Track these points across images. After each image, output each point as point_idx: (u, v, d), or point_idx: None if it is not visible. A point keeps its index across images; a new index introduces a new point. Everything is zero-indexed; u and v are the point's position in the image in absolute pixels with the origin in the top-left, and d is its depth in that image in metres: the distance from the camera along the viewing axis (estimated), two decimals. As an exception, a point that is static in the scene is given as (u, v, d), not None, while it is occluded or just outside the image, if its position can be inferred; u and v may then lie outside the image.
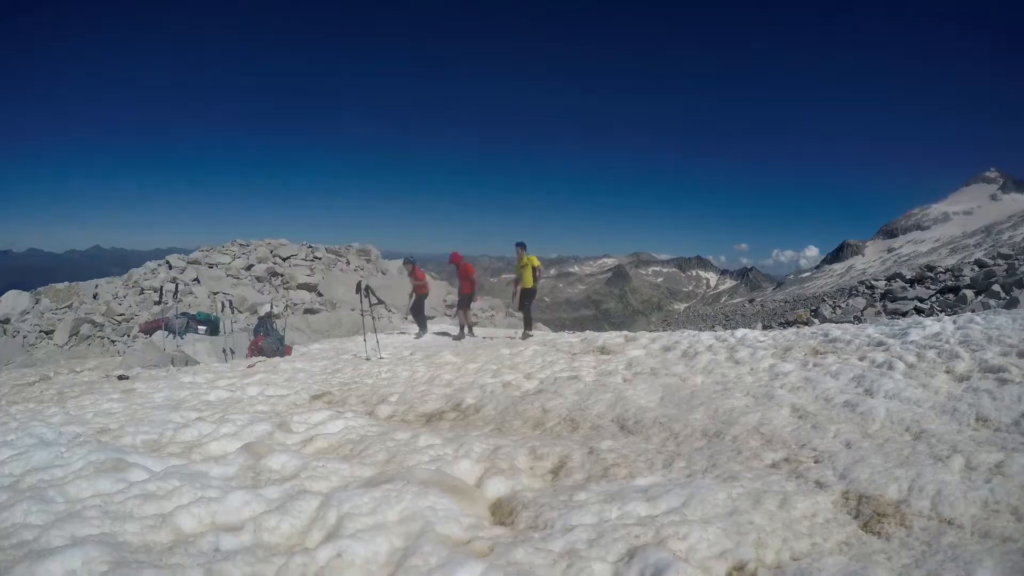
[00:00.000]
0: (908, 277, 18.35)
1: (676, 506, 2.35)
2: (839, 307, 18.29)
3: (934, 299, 15.04)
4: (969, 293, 14.06)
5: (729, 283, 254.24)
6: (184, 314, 14.38)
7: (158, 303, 12.31)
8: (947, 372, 4.04)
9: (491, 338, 11.40)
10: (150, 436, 4.13)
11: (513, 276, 12.20)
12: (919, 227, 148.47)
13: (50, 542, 2.15)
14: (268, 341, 13.56)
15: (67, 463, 3.04)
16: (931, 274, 17.83)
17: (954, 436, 2.94)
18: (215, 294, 20.80)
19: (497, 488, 2.86)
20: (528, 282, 11.29)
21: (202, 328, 13.95)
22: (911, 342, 5.01)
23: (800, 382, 4.34)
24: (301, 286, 23.13)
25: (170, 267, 24.35)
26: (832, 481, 2.51)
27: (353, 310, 17.26)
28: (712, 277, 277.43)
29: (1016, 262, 16.56)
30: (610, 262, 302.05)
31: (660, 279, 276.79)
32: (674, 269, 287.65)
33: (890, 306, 15.50)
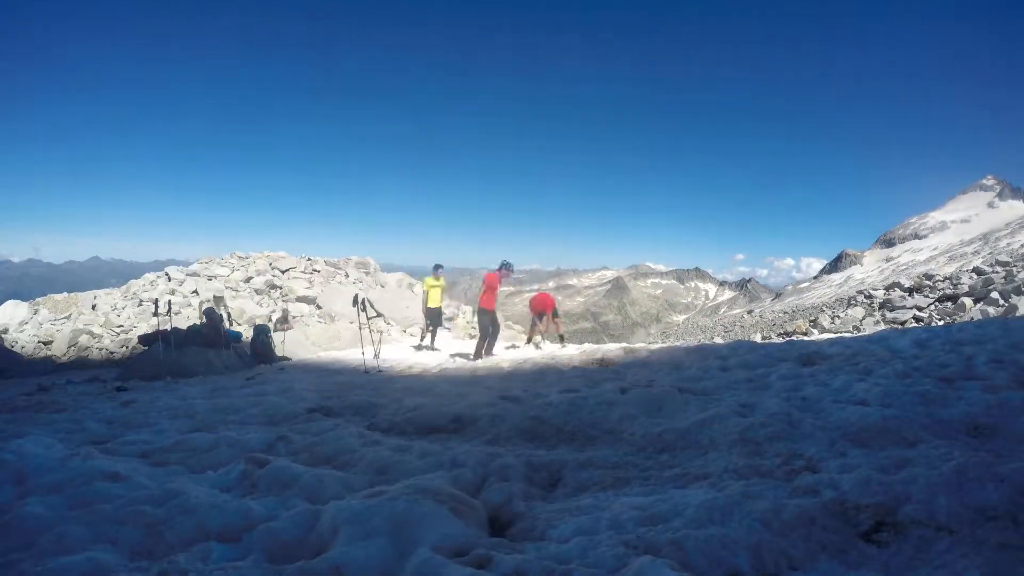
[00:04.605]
0: (906, 286, 18.37)
1: (670, 514, 2.35)
2: (838, 317, 18.31)
3: (932, 307, 15.07)
4: (968, 301, 14.09)
5: (728, 294, 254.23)
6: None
7: (155, 315, 12.33)
8: (942, 379, 4.05)
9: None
10: (148, 445, 4.13)
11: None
12: (917, 236, 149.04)
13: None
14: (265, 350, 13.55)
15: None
16: (929, 283, 17.86)
17: (949, 442, 2.94)
18: (208, 301, 20.80)
19: (493, 497, 2.86)
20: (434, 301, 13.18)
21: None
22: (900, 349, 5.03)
23: (794, 389, 4.35)
24: (300, 299, 23.13)
25: (169, 279, 24.37)
26: (824, 488, 2.51)
27: (352, 323, 17.25)
28: (711, 288, 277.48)
29: (1014, 269, 16.60)
30: (609, 274, 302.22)
31: (659, 291, 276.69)
32: (673, 281, 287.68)
33: (888, 315, 15.52)
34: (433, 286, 13.36)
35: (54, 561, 2.04)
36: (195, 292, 22.68)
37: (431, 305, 13.38)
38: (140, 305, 22.09)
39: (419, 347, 13.92)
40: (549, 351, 10.71)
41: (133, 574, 2.01)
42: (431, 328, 13.79)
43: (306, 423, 4.99)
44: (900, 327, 12.14)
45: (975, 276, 16.76)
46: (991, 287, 14.41)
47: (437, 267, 13.81)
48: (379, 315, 14.18)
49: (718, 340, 23.14)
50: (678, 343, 13.29)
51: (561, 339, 12.92)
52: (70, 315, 21.96)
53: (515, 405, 4.81)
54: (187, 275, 24.65)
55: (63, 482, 2.89)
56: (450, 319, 22.09)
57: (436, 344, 13.80)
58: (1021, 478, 2.26)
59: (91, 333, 19.84)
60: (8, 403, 7.52)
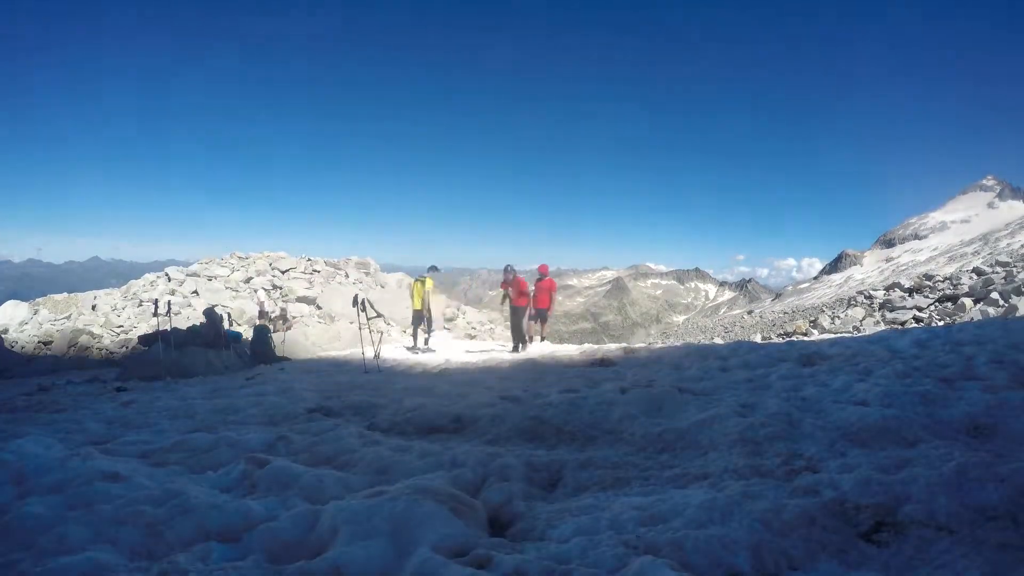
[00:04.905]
0: (906, 286, 18.37)
1: (669, 514, 2.35)
2: (838, 317, 18.30)
3: (932, 308, 15.06)
4: (968, 301, 14.09)
5: (728, 294, 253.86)
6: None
7: (155, 315, 12.33)
8: (942, 379, 4.05)
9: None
10: (148, 446, 4.13)
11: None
12: (917, 236, 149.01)
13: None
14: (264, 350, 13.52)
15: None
16: (929, 283, 17.86)
17: (949, 442, 2.94)
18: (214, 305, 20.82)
19: (493, 497, 2.86)
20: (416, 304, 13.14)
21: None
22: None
23: (794, 389, 4.34)
24: (300, 299, 23.13)
25: (169, 279, 24.38)
26: (824, 488, 2.51)
27: (352, 323, 17.26)
28: (711, 288, 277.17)
29: (1014, 269, 16.61)
30: (609, 275, 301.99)
31: (659, 291, 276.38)
32: (673, 281, 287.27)
33: (889, 315, 15.52)
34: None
35: (54, 561, 2.04)
36: (195, 292, 22.68)
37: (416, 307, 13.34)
38: (140, 305, 22.10)
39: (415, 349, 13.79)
40: (549, 351, 10.71)
41: (133, 574, 2.01)
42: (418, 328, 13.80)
43: (306, 423, 4.99)
44: (900, 327, 12.14)
45: (975, 276, 16.76)
46: (991, 287, 14.42)
47: (431, 268, 13.70)
48: (379, 315, 14.16)
49: (718, 340, 23.13)
50: (678, 343, 13.33)
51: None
52: (70, 315, 21.97)
53: (515, 405, 4.81)
54: (187, 275, 24.66)
55: (63, 482, 2.89)
56: (451, 320, 22.11)
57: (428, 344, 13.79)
58: (1021, 478, 2.26)
59: (91, 333, 19.83)
60: (8, 403, 7.52)
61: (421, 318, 13.42)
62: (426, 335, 13.72)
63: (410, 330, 14.89)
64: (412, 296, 13.39)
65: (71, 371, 14.78)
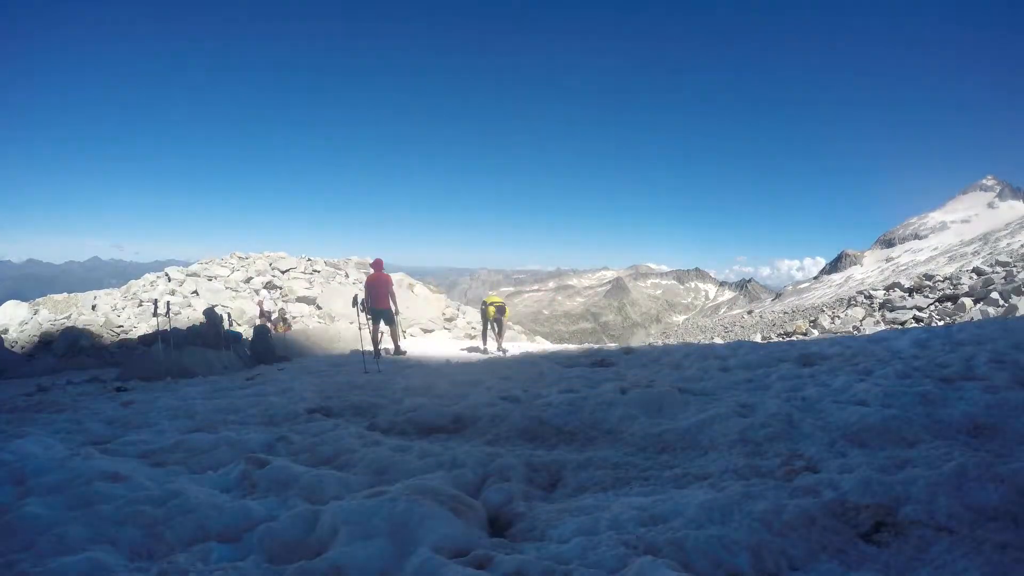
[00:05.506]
0: (906, 286, 18.38)
1: (670, 514, 2.35)
2: (838, 317, 18.31)
3: (932, 308, 15.07)
4: (968, 301, 14.10)
5: (728, 294, 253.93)
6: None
7: (155, 315, 12.33)
8: (942, 379, 4.04)
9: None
10: (148, 446, 4.12)
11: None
12: (917, 236, 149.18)
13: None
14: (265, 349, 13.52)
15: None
16: (929, 283, 17.87)
17: (949, 442, 2.94)
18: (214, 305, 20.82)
19: (493, 498, 2.86)
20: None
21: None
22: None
23: (794, 390, 4.34)
24: (300, 299, 23.12)
25: (169, 279, 24.37)
26: (824, 488, 2.51)
27: (352, 323, 17.25)
28: (711, 288, 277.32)
29: (1014, 269, 16.62)
30: (609, 275, 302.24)
31: (659, 291, 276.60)
32: (673, 281, 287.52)
33: (889, 315, 15.52)
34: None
35: (54, 561, 2.04)
36: (195, 292, 22.67)
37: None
38: (140, 305, 22.10)
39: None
40: (551, 350, 10.72)
41: (133, 574, 2.01)
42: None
43: (306, 423, 4.99)
44: (900, 327, 12.15)
45: (975, 276, 16.77)
46: (991, 287, 14.43)
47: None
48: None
49: (718, 340, 23.14)
50: (678, 343, 13.36)
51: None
52: (70, 315, 21.96)
53: (515, 405, 4.81)
54: (187, 275, 24.66)
55: (63, 482, 2.89)
56: (451, 320, 22.13)
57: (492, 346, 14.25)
58: (1021, 478, 2.26)
59: (91, 333, 19.82)
60: (8, 403, 7.52)
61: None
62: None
63: (411, 330, 14.88)
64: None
65: (71, 371, 14.77)
